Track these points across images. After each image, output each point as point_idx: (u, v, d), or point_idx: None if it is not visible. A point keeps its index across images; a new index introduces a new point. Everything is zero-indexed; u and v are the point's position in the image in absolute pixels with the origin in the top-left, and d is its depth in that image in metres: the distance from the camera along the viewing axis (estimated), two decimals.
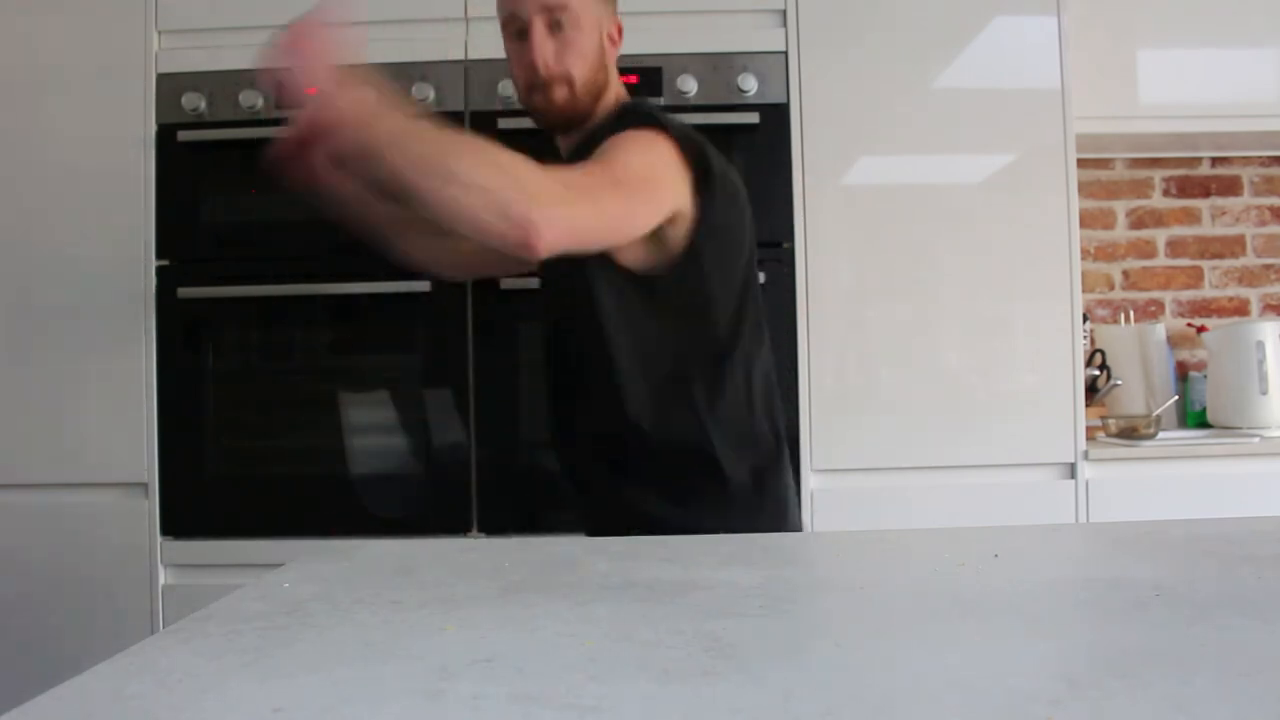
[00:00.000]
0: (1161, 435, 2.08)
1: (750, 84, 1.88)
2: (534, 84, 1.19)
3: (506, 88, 1.87)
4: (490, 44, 1.95)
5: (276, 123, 1.96)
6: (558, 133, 1.25)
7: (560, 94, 1.19)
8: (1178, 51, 2.18)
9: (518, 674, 0.48)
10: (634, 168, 1.10)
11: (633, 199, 1.09)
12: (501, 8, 1.22)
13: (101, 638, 1.83)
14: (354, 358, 1.94)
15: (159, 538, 1.86)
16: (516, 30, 1.20)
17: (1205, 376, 2.36)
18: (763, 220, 1.90)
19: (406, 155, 0.95)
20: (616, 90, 1.27)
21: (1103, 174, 2.51)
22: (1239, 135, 2.31)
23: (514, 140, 1.98)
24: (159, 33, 1.92)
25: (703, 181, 1.16)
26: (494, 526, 1.85)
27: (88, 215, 1.89)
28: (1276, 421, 2.16)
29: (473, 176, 0.96)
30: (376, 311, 1.87)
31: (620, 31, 1.28)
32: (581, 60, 1.19)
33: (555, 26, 1.18)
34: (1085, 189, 2.42)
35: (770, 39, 1.91)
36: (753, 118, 1.88)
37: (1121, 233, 2.52)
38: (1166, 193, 2.52)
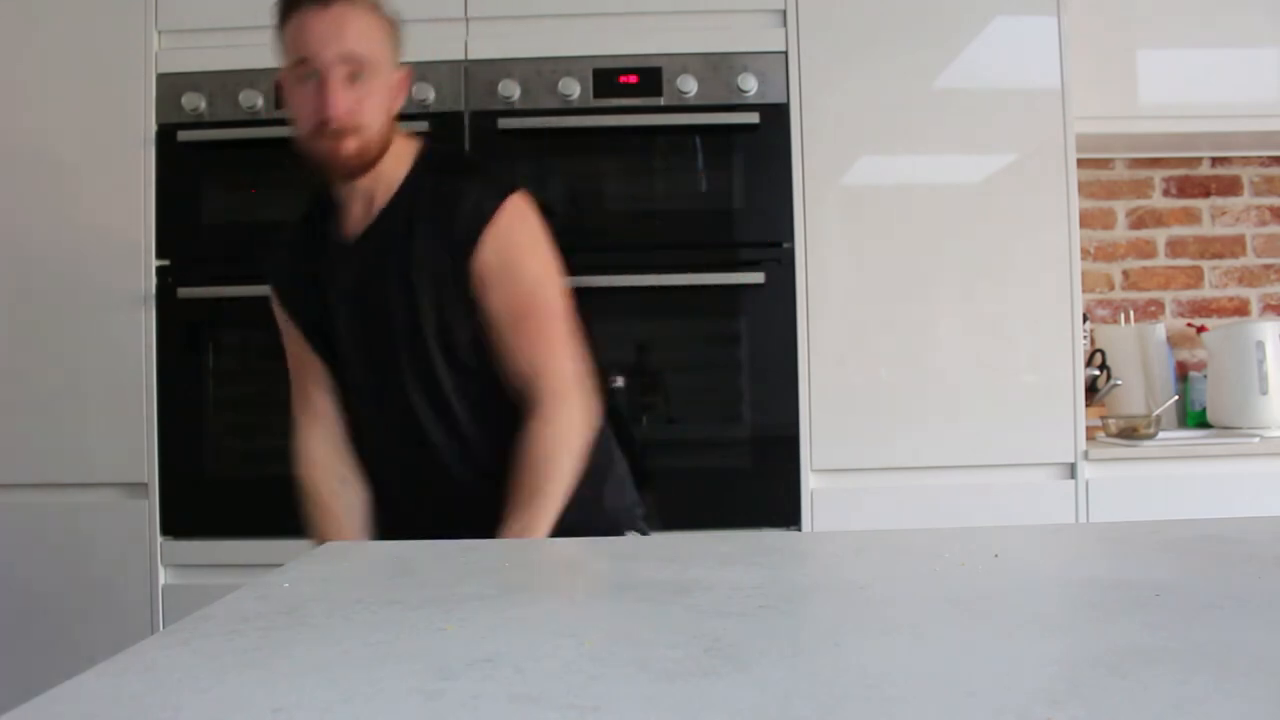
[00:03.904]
0: (1161, 435, 2.08)
1: (750, 84, 1.88)
2: (322, 131, 1.17)
3: (507, 88, 1.87)
4: (490, 44, 1.96)
5: (277, 123, 1.96)
6: (337, 180, 1.23)
7: (351, 145, 1.18)
8: (1178, 51, 2.18)
9: (518, 674, 0.48)
10: (547, 279, 1.25)
11: (560, 302, 1.26)
12: (293, 49, 1.18)
13: (101, 638, 1.83)
14: None
15: (159, 538, 1.86)
16: (305, 74, 1.16)
17: (1205, 376, 2.36)
18: (763, 220, 1.91)
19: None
20: (401, 137, 1.28)
21: (1103, 174, 2.51)
22: (1239, 135, 2.31)
23: (514, 140, 2.00)
24: (159, 33, 1.92)
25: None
26: None
27: (88, 215, 1.89)
28: (1276, 421, 2.15)
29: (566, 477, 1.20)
30: None
31: (408, 80, 1.28)
32: (375, 113, 1.19)
33: (352, 78, 1.16)
34: (1085, 189, 2.42)
35: (770, 39, 1.91)
36: (753, 118, 1.88)
37: (1121, 233, 2.52)
38: (1166, 193, 2.52)
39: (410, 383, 1.24)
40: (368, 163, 1.21)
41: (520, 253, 1.22)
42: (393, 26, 1.25)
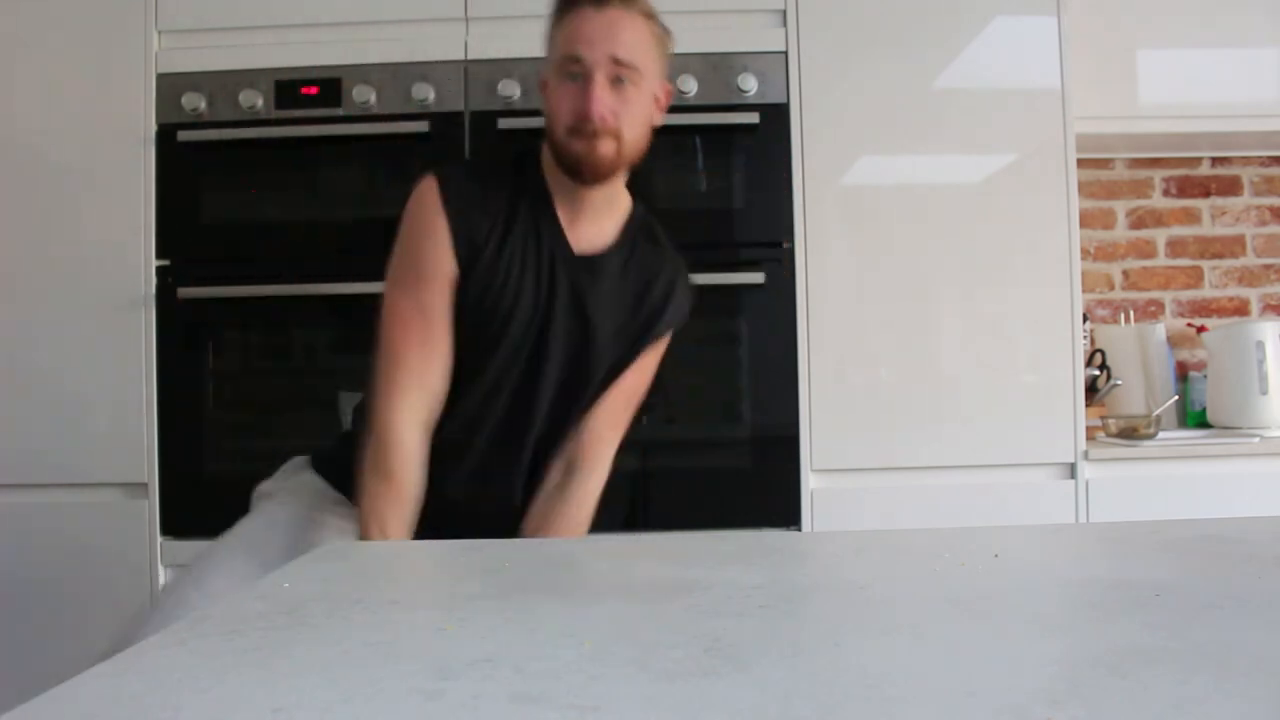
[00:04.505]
0: (1161, 435, 2.08)
1: (750, 84, 1.88)
2: (580, 129, 1.17)
3: (507, 87, 1.87)
4: (490, 44, 1.96)
5: (277, 123, 1.96)
6: (582, 181, 1.22)
7: (607, 148, 1.18)
8: (1178, 51, 2.18)
9: (518, 674, 0.48)
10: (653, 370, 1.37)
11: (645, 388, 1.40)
12: (562, 44, 1.18)
13: (102, 638, 1.83)
14: (354, 358, 1.93)
15: (159, 538, 1.86)
16: (572, 72, 1.17)
17: (1205, 376, 2.36)
18: (763, 220, 1.91)
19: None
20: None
21: (1103, 174, 2.51)
22: (1239, 135, 2.31)
23: (514, 139, 1.99)
24: (159, 33, 1.92)
25: None
26: None
27: (88, 215, 1.89)
28: (1276, 421, 2.15)
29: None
30: (376, 311, 1.87)
31: (669, 96, 1.27)
32: (634, 122, 1.20)
33: (617, 81, 1.17)
34: (1085, 189, 2.42)
35: (770, 39, 1.91)
36: (753, 118, 1.88)
37: (1121, 233, 2.52)
38: (1166, 193, 2.52)
39: (551, 404, 1.27)
40: (618, 169, 1.22)
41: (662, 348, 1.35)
42: (664, 37, 1.24)
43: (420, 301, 1.21)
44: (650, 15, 1.21)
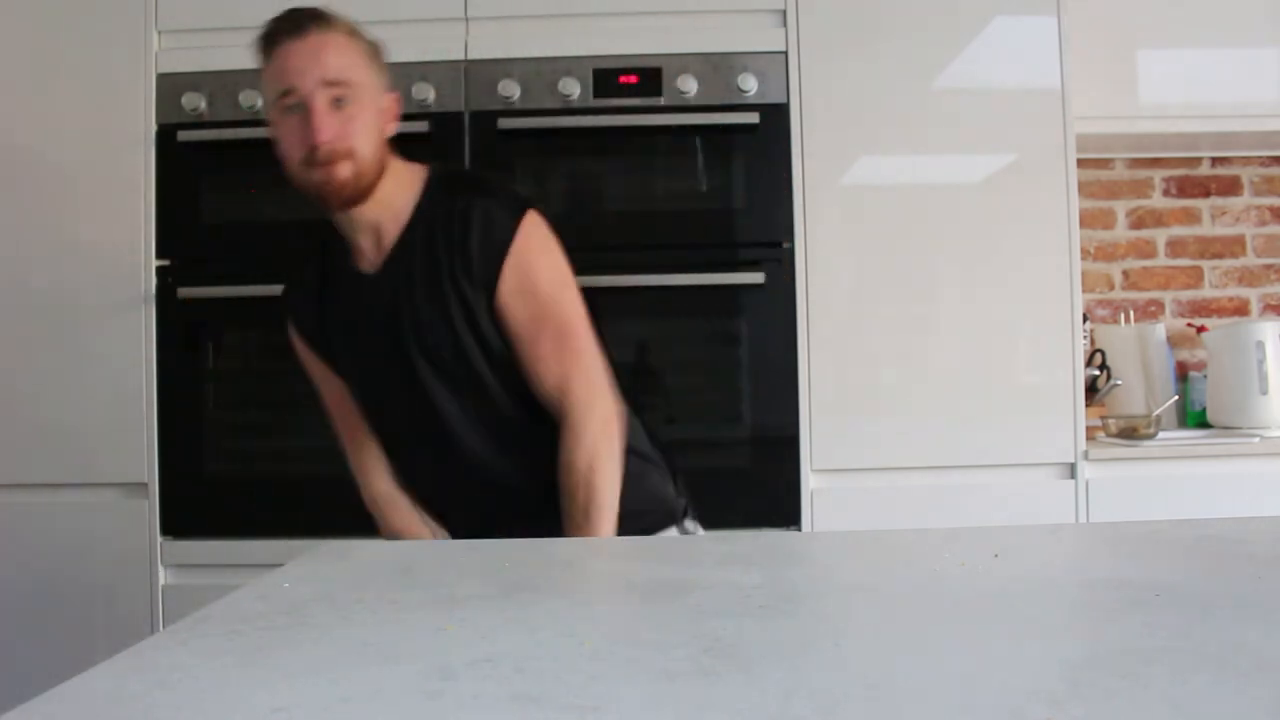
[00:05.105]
0: (1161, 435, 2.08)
1: (750, 84, 1.88)
2: (312, 160, 1.17)
3: (507, 88, 1.87)
4: (490, 44, 1.96)
5: None
6: (335, 209, 1.22)
7: (344, 170, 1.17)
8: (1178, 51, 2.18)
9: (518, 674, 0.48)
10: (565, 292, 1.26)
11: (578, 312, 1.28)
12: (274, 82, 1.18)
13: (101, 638, 1.83)
14: None
15: (159, 538, 1.86)
16: (291, 105, 1.17)
17: (1205, 376, 2.36)
18: (763, 220, 1.91)
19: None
20: (402, 163, 1.28)
21: (1103, 174, 2.51)
22: (1239, 135, 2.31)
23: (514, 140, 1.99)
24: (159, 33, 1.92)
25: None
26: None
27: (88, 215, 1.89)
28: (1276, 421, 2.15)
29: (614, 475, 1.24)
30: None
31: (399, 103, 1.28)
32: (365, 136, 1.19)
33: (337, 103, 1.17)
34: (1085, 189, 2.42)
35: (770, 39, 1.91)
36: (753, 118, 1.88)
37: (1121, 233, 2.52)
38: (1166, 193, 2.52)
39: (442, 403, 1.26)
40: (364, 189, 1.20)
41: (537, 272, 1.24)
42: (374, 50, 1.24)
43: (318, 381, 1.39)
44: (353, 32, 1.22)
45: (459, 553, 0.90)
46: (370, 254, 1.26)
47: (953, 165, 1.95)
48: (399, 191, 1.24)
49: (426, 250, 1.22)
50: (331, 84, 1.16)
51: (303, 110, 1.16)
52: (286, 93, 1.17)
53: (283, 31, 1.17)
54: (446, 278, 1.21)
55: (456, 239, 1.21)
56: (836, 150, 1.91)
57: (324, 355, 1.36)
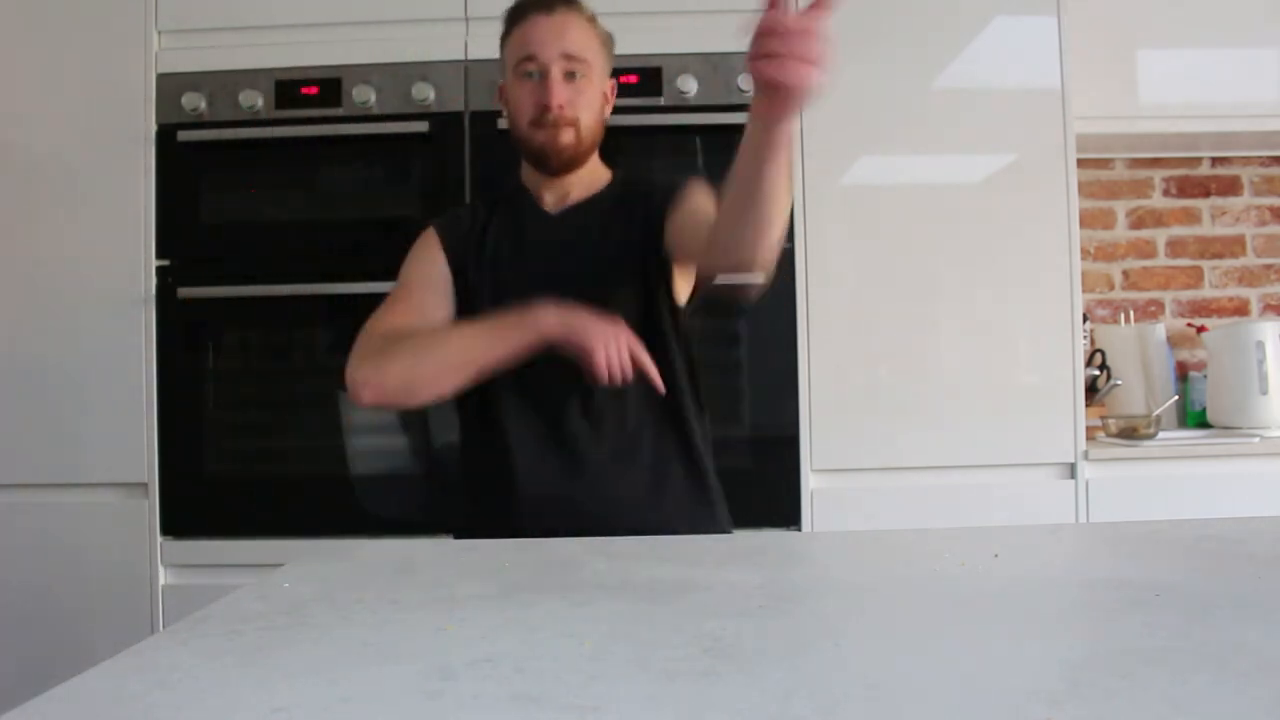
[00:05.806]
0: (1161, 435, 2.08)
1: (750, 84, 1.88)
2: (541, 121, 1.28)
3: None
4: (490, 44, 1.95)
5: (276, 123, 1.96)
6: (549, 172, 1.32)
7: (567, 137, 1.29)
8: (1178, 51, 2.18)
9: (518, 674, 0.48)
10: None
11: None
12: (517, 49, 1.29)
13: (101, 638, 1.83)
14: None
15: (159, 538, 1.86)
16: (529, 70, 1.28)
17: (1205, 376, 2.36)
18: None
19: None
20: (600, 162, 1.39)
21: (1103, 174, 2.51)
22: (1239, 135, 2.31)
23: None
24: (159, 33, 1.92)
25: None
26: None
27: (88, 215, 1.89)
28: (1276, 421, 2.15)
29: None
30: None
31: (614, 91, 1.38)
32: (589, 111, 1.31)
33: (570, 76, 1.28)
34: (1085, 189, 2.42)
35: None
36: None
37: (1121, 233, 2.52)
38: (1166, 193, 2.52)
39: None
40: (579, 156, 1.32)
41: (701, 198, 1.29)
42: (607, 38, 1.36)
43: (423, 272, 1.33)
44: (593, 19, 1.33)
45: (459, 553, 0.90)
46: (553, 207, 1.35)
47: (953, 165, 1.95)
48: (597, 172, 1.37)
49: (612, 206, 1.33)
50: (569, 58, 1.27)
51: (539, 78, 1.27)
52: (528, 58, 1.27)
53: (533, 6, 1.29)
54: (623, 227, 1.30)
55: (640, 194, 1.33)
56: (836, 150, 1.91)
57: (454, 265, 1.32)
